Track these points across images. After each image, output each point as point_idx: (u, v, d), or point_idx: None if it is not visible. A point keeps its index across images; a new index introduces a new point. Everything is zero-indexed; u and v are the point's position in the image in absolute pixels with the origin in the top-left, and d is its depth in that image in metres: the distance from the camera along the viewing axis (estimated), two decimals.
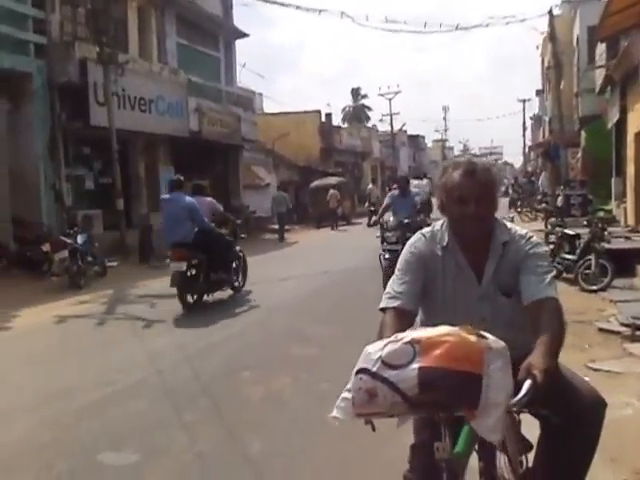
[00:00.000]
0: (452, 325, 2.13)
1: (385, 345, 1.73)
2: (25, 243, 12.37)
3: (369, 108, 61.60)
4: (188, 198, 8.81)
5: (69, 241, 11.14)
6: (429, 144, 73.74)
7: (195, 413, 4.65)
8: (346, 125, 49.52)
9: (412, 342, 1.69)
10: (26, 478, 3.68)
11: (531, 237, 2.29)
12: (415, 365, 1.65)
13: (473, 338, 1.69)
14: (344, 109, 61.13)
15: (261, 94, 36.43)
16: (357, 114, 60.08)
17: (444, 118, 74.29)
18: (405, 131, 55.28)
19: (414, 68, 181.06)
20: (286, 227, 21.72)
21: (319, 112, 35.66)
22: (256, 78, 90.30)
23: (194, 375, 5.60)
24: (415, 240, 2.39)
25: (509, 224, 2.35)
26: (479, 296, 2.28)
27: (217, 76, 22.30)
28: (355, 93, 62.37)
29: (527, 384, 1.76)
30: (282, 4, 18.22)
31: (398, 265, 2.35)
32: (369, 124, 53.41)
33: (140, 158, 17.86)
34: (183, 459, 3.88)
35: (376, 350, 1.73)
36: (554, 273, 2.24)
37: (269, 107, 51.45)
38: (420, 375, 1.64)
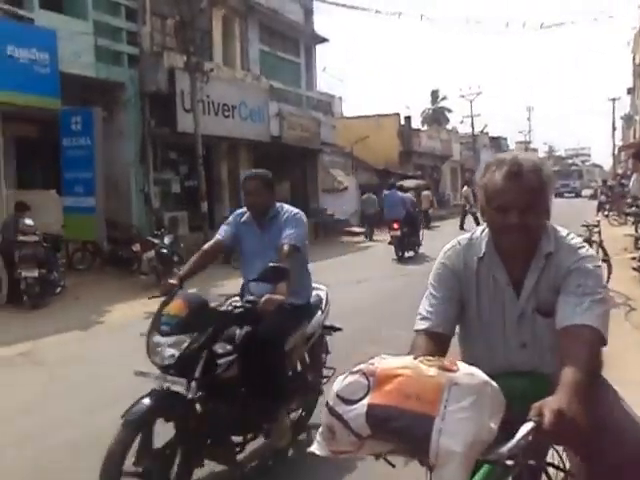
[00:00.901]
0: (488, 350, 2.00)
1: (346, 376, 1.50)
2: (117, 243, 13.11)
3: (449, 110, 60.74)
4: (400, 193, 16.35)
5: (156, 242, 11.73)
6: (512, 146, 71.84)
7: None
8: (425, 128, 49.08)
9: (367, 374, 1.46)
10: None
11: (580, 248, 1.90)
12: (365, 401, 1.42)
13: (432, 371, 1.42)
14: (423, 112, 60.61)
15: (340, 98, 36.69)
16: (436, 116, 59.36)
17: (528, 119, 72.28)
18: (487, 133, 54.13)
19: (496, 68, 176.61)
20: (363, 230, 22.19)
21: (398, 115, 35.54)
22: (336, 82, 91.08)
23: None
24: (448, 248, 2.07)
25: (561, 230, 1.97)
26: (517, 316, 1.94)
27: (297, 81, 22.74)
28: (434, 95, 61.67)
29: (525, 427, 1.44)
30: (363, 9, 18.37)
31: (430, 279, 2.05)
32: (449, 126, 52.67)
33: (223, 162, 18.51)
34: None
35: (339, 381, 1.50)
36: (601, 296, 1.80)
37: (348, 111, 51.82)
38: (368, 413, 1.41)
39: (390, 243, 15.03)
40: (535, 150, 77.92)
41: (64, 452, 4.12)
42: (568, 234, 1.96)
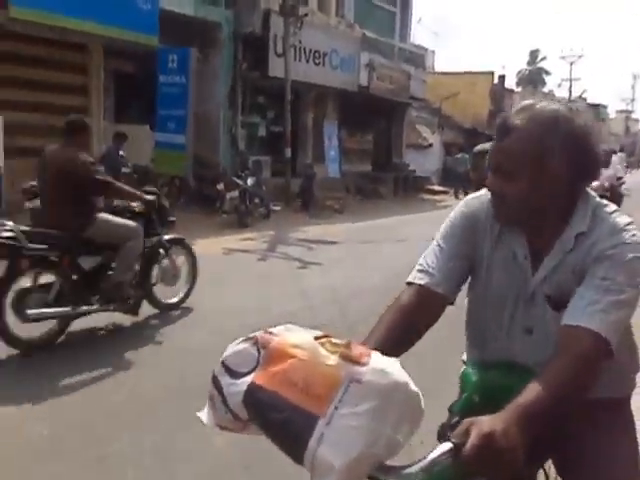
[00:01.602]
0: (491, 330, 1.65)
1: (240, 342, 1.23)
2: (203, 181, 13.59)
3: (547, 72, 57.84)
4: None
5: (240, 182, 12.10)
6: (612, 115, 67.85)
7: None
8: (519, 89, 47.05)
9: (260, 344, 1.19)
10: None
11: (624, 231, 1.45)
12: (248, 378, 1.16)
13: (333, 359, 1.13)
14: (519, 72, 57.98)
15: (433, 52, 35.76)
16: (533, 78, 56.67)
17: (632, 87, 67.75)
18: (585, 99, 51.31)
19: (602, 30, 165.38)
20: (444, 189, 21.90)
21: (492, 73, 34.23)
22: (430, 35, 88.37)
23: (341, 314, 6.02)
24: (474, 197, 1.68)
25: (606, 206, 1.52)
26: (529, 295, 1.56)
27: (391, 31, 22.25)
28: (533, 55, 58.75)
29: (440, 448, 1.14)
30: None
31: (442, 228, 1.68)
32: (545, 89, 50.25)
33: (309, 110, 18.58)
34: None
35: (231, 346, 1.24)
36: (627, 297, 1.40)
37: (440, 66, 50.33)
38: (247, 394, 1.15)
39: None
40: (636, 120, 73.35)
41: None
42: (614, 211, 1.50)
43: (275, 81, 15.50)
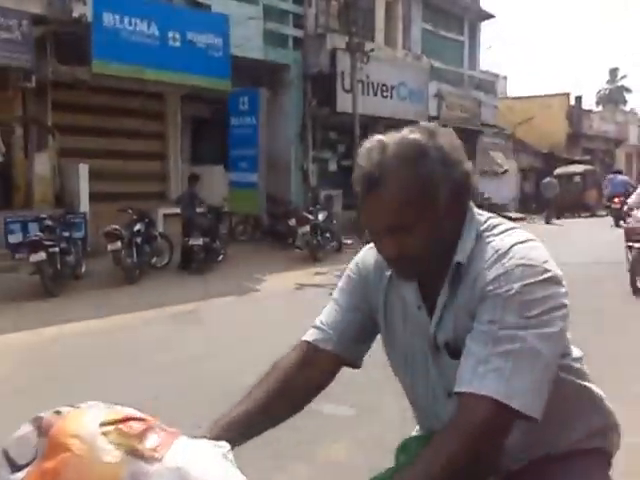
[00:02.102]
0: (418, 394, 1.40)
1: (27, 423, 0.96)
2: (276, 218, 13.88)
3: (628, 90, 55.67)
4: (620, 176, 19.61)
5: (311, 217, 12.25)
6: None
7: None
8: (600, 108, 45.47)
9: (42, 428, 0.93)
10: None
11: (505, 255, 1.16)
12: (21, 474, 0.90)
13: (114, 456, 0.87)
14: (599, 92, 56.13)
15: (505, 77, 35.24)
16: (613, 97, 54.67)
17: None
18: None
19: None
20: (521, 216, 21.48)
21: (567, 95, 33.28)
22: (501, 60, 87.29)
23: None
24: (368, 247, 1.45)
25: (489, 222, 1.27)
26: (432, 347, 1.28)
27: (460, 60, 22.18)
28: (613, 73, 56.76)
29: None
30: None
31: (340, 281, 1.51)
32: (627, 107, 48.32)
33: None
34: (392, 419, 4.24)
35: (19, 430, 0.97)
36: (524, 345, 1.09)
37: (513, 90, 49.38)
38: None
39: (608, 214, 19.95)
40: None
41: (221, 404, 4.57)
42: (503, 231, 1.23)
43: (344, 116, 15.74)
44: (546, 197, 22.78)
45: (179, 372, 5.25)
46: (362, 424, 4.16)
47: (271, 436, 3.91)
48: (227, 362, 5.55)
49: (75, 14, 10.75)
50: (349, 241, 14.23)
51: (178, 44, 12.48)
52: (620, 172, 22.25)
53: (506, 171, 26.25)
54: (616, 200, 18.52)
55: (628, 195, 16.78)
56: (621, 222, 17.11)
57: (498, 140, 26.85)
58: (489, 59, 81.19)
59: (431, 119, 18.87)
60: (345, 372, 4.95)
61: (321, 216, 12.72)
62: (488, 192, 23.39)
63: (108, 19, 11.29)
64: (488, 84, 23.14)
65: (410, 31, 19.62)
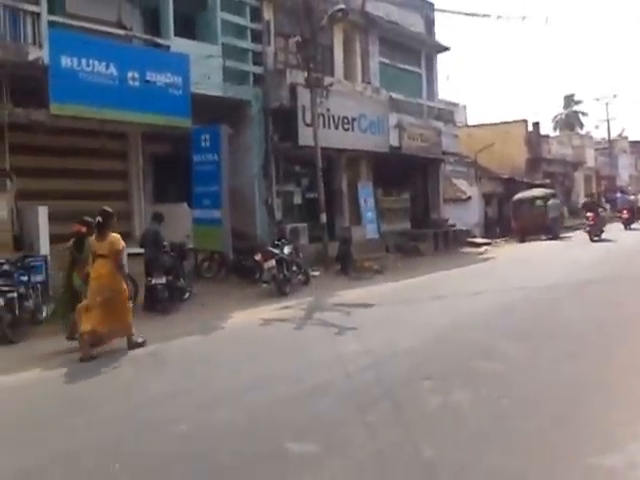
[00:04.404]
0: None
1: None
2: (242, 253, 13.81)
3: (584, 114, 57.44)
4: (626, 196, 27.59)
5: (277, 252, 12.23)
6: None
7: (375, 415, 4.94)
8: (558, 133, 46.79)
9: None
10: (204, 460, 4.27)
11: None
12: None
13: None
14: (555, 117, 57.80)
15: (464, 106, 36.13)
16: (570, 121, 56.34)
17: None
18: (626, 137, 50.56)
19: (636, 68, 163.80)
20: (486, 241, 21.86)
21: (525, 121, 34.25)
22: (459, 90, 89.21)
23: (378, 379, 5.91)
24: None
25: None
26: None
27: (419, 91, 22.64)
28: (568, 100, 58.58)
29: None
30: (484, 15, 18.01)
31: None
32: (582, 131, 49.83)
33: (343, 174, 18.88)
34: (358, 455, 4.19)
35: None
36: None
37: (472, 119, 50.38)
38: None
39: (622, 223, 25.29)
40: None
41: (177, 444, 4.47)
42: None
43: (307, 149, 15.88)
44: (551, 217, 24.23)
45: (137, 417, 5.13)
46: (327, 462, 4.09)
47: (231, 477, 3.81)
48: (189, 400, 5.45)
49: (31, 57, 10.72)
50: (316, 273, 14.24)
51: (137, 84, 12.51)
52: (624, 192, 29.43)
53: (469, 197, 26.71)
54: (624, 212, 25.63)
55: (631, 208, 25.83)
56: (595, 237, 20.94)
57: (460, 167, 27.38)
58: (448, 89, 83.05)
59: (393, 149, 19.22)
60: (312, 404, 4.89)
61: (287, 250, 12.71)
62: (453, 219, 23.76)
63: (65, 61, 11.27)
64: (447, 113, 23.63)
65: (368, 65, 20.01)
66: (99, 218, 7.72)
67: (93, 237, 7.80)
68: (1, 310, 8.19)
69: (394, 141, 19.42)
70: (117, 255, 7.69)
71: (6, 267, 9.03)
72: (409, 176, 22.29)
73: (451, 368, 6.31)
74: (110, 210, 7.96)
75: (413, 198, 22.56)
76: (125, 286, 7.84)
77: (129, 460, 4.20)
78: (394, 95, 19.91)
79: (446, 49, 23.95)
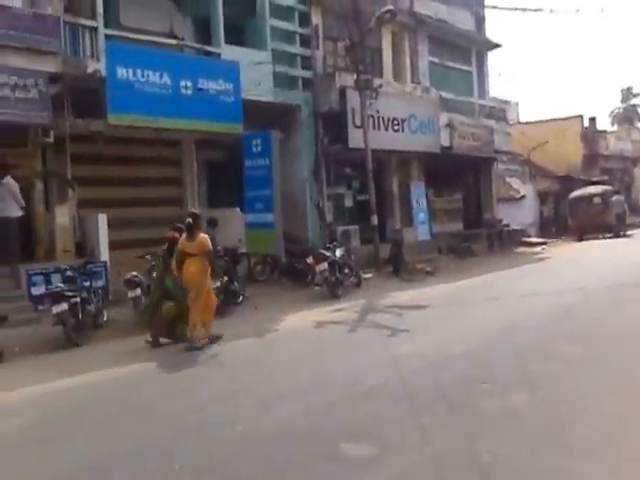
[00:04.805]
0: None
1: None
2: (294, 256, 13.94)
3: None
4: None
5: (328, 254, 12.28)
6: None
7: (431, 417, 4.91)
8: (615, 128, 45.26)
9: None
10: (262, 460, 4.33)
11: None
12: None
13: None
14: (612, 112, 55.90)
15: (517, 103, 35.38)
16: (628, 115, 54.34)
17: None
18: None
19: None
20: (542, 241, 21.39)
21: (581, 117, 33.29)
22: (511, 87, 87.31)
23: (433, 382, 5.86)
24: None
25: None
26: None
27: (469, 89, 22.36)
28: (626, 93, 56.56)
29: None
30: (536, 10, 17.63)
31: None
32: None
33: (393, 175, 18.82)
34: (413, 458, 4.17)
35: None
36: None
37: (525, 116, 49.28)
38: None
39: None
40: None
41: (236, 444, 4.56)
42: None
43: (357, 152, 15.90)
44: (614, 213, 23.89)
45: (195, 416, 5.24)
46: (383, 464, 4.09)
47: (293, 477, 3.87)
48: (247, 402, 5.54)
49: (89, 70, 11.12)
50: (368, 275, 14.23)
51: (190, 92, 12.80)
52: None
53: (523, 196, 26.18)
54: None
55: None
56: None
57: (514, 166, 26.87)
58: (499, 86, 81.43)
59: (444, 149, 19.03)
60: (367, 406, 4.91)
61: (339, 252, 12.75)
62: (507, 218, 23.33)
63: (121, 72, 11.64)
64: (499, 111, 23.23)
65: (418, 65, 19.88)
66: (189, 220, 8.31)
67: (183, 237, 8.35)
68: (66, 314, 8.50)
69: (445, 141, 19.23)
70: (206, 253, 8.26)
71: (69, 273, 9.40)
72: (461, 176, 22.02)
73: (508, 371, 6.20)
74: (199, 212, 8.86)
75: (465, 198, 22.27)
76: (211, 284, 8.49)
77: (190, 459, 4.31)
78: (444, 94, 19.73)
79: (497, 46, 23.56)
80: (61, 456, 4.57)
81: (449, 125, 19.50)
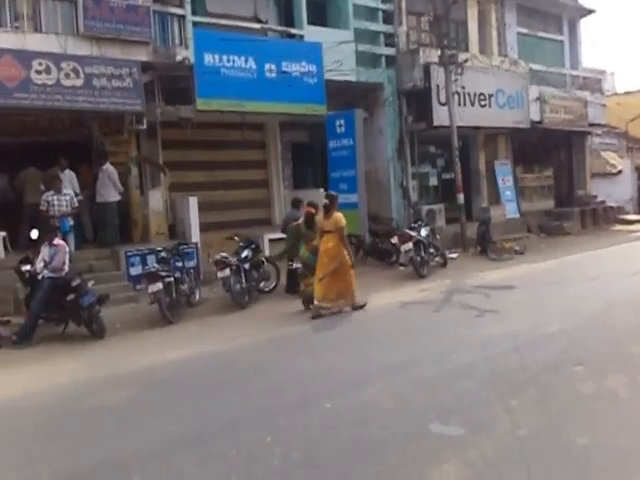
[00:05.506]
0: None
1: None
2: (378, 236, 13.90)
3: None
4: None
5: (414, 234, 12.17)
6: None
7: (520, 399, 4.82)
8: None
9: None
10: (352, 437, 4.39)
11: None
12: None
13: None
14: None
15: (613, 73, 33.37)
16: None
17: None
18: None
19: None
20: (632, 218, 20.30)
21: None
22: (606, 56, 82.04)
23: (523, 364, 5.74)
24: None
25: None
26: None
27: (561, 60, 21.32)
28: None
29: None
30: None
31: None
32: None
33: (480, 152, 18.32)
34: (504, 440, 4.12)
35: None
36: None
37: (622, 87, 46.28)
38: None
39: None
40: None
41: (326, 420, 4.66)
42: None
43: (442, 130, 15.57)
44: None
45: (286, 393, 5.39)
46: (472, 444, 4.07)
47: (378, 455, 3.96)
48: (334, 380, 5.64)
49: (178, 58, 11.46)
50: (454, 255, 13.99)
51: (274, 75, 12.93)
52: None
53: (620, 171, 24.77)
54: None
55: None
56: None
57: (609, 139, 25.45)
58: (593, 56, 76.95)
59: (534, 124, 18.29)
60: (455, 386, 4.93)
61: (424, 232, 12.60)
62: (602, 195, 22.21)
63: (208, 59, 11.92)
64: (593, 82, 21.98)
65: (505, 36, 19.12)
66: (325, 201, 9.18)
67: (320, 216, 9.21)
68: (160, 293, 8.91)
69: (535, 115, 18.47)
70: (341, 230, 8.95)
71: (163, 254, 9.84)
72: (552, 151, 21.10)
73: (604, 353, 5.98)
74: (335, 194, 9.63)
75: (556, 174, 21.34)
76: (348, 257, 9.05)
77: (280, 434, 4.45)
78: (534, 66, 18.88)
79: (591, 12, 22.26)
80: (162, 426, 4.84)
81: (539, 98, 18.70)
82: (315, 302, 8.74)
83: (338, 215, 9.01)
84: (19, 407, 5.61)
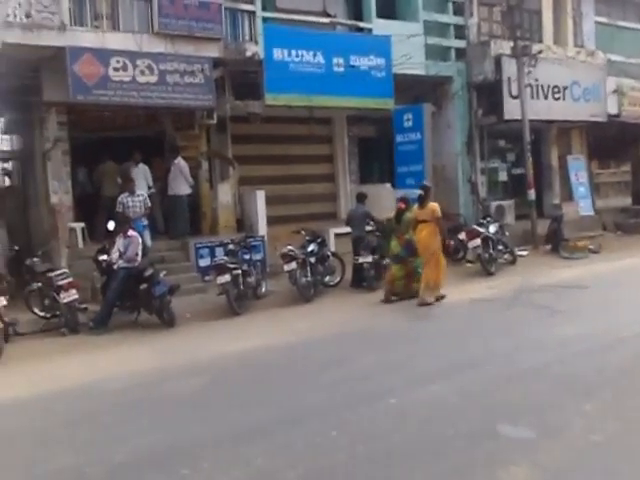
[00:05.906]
0: None
1: None
2: (447, 232, 13.65)
3: None
4: None
5: (482, 230, 11.92)
6: None
7: (595, 403, 4.67)
8: None
9: None
10: (416, 434, 4.35)
11: None
12: None
13: None
14: None
15: None
16: None
17: None
18: None
19: None
20: None
21: None
22: None
23: (598, 367, 5.55)
24: None
25: None
26: None
27: None
28: None
29: None
30: None
31: None
32: None
33: (552, 147, 17.72)
34: (577, 445, 4.00)
35: None
36: None
37: None
38: None
39: None
40: None
41: (392, 417, 4.64)
42: None
43: (513, 124, 15.15)
44: None
45: (354, 386, 5.41)
46: (543, 448, 3.96)
47: (443, 454, 3.92)
48: (402, 376, 5.61)
49: (248, 53, 11.62)
50: (524, 252, 13.63)
51: (342, 69, 12.91)
52: None
53: None
54: None
55: None
56: None
57: None
58: None
59: (611, 117, 17.53)
60: (525, 387, 4.82)
61: (492, 228, 12.33)
62: None
63: (277, 54, 12.04)
64: None
65: (582, 26, 18.36)
66: (420, 192, 9.60)
67: (415, 206, 9.57)
68: (228, 285, 9.11)
69: (612, 108, 17.67)
70: (438, 219, 9.36)
71: (231, 246, 10.04)
72: (629, 146, 20.14)
73: None
74: (429, 185, 10.10)
75: (634, 170, 20.38)
76: (441, 248, 9.43)
77: (346, 427, 4.47)
78: (612, 57, 18.08)
79: None
80: (231, 415, 4.96)
81: (617, 91, 17.87)
82: (420, 292, 9.04)
83: (434, 205, 9.48)
84: (101, 388, 5.90)
